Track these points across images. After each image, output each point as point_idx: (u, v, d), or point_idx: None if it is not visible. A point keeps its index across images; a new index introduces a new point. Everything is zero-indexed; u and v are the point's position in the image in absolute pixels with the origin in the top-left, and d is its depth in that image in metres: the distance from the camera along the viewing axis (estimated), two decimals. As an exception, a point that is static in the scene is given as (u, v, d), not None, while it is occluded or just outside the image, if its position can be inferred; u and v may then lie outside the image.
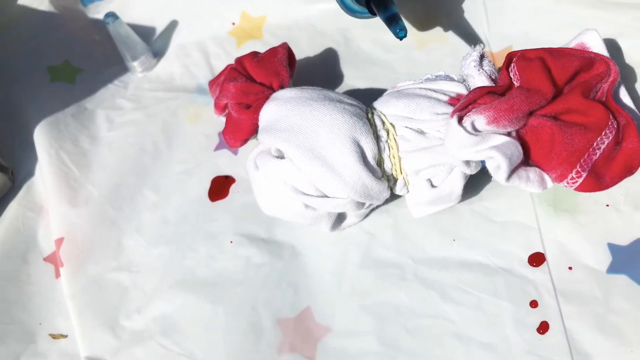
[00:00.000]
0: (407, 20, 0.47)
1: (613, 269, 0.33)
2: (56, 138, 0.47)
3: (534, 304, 0.33)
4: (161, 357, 0.37)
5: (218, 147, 0.45)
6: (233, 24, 0.52)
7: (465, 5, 0.45)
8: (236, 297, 0.38)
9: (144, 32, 0.54)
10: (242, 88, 0.39)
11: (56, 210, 0.44)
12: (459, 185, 0.34)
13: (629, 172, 0.30)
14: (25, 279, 0.43)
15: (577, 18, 0.41)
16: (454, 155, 0.32)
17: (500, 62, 0.42)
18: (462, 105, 0.31)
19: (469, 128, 0.31)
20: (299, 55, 0.46)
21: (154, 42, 0.54)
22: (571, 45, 0.35)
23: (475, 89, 0.32)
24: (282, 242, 0.39)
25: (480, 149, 0.31)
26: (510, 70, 0.33)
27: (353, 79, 0.46)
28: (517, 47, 0.42)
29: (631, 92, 0.38)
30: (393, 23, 0.39)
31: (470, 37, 0.44)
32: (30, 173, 0.48)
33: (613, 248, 0.34)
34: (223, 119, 0.42)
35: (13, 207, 0.46)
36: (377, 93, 0.43)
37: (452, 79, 0.36)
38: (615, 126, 0.30)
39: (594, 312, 0.32)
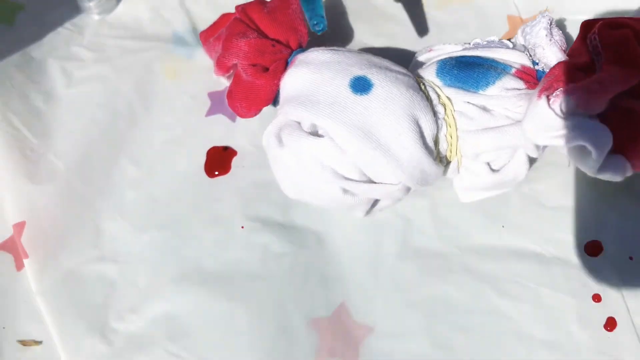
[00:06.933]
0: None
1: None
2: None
3: (596, 297, 0.31)
4: (170, 367, 0.32)
5: (211, 112, 0.38)
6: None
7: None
8: (258, 293, 0.33)
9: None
10: (257, 46, 0.33)
11: (11, 187, 0.36)
12: (524, 170, 0.30)
13: None
14: (-24, 273, 0.35)
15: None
16: (534, 138, 0.28)
17: (533, 26, 0.38)
18: (548, 84, 0.27)
19: (558, 111, 0.27)
20: (300, 5, 0.40)
21: (111, -24, 0.45)
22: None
23: (559, 64, 0.28)
24: (303, 228, 0.34)
25: (569, 134, 0.27)
26: (588, 42, 0.29)
27: (366, 35, 0.40)
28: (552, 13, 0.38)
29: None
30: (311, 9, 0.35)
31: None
32: (-35, 137, 0.39)
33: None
34: (214, 77, 0.36)
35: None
36: (400, 54, 0.39)
37: (509, 47, 0.32)
38: None
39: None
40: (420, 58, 0.35)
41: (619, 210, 0.33)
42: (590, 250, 0.32)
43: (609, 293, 0.31)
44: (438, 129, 0.30)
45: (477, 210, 0.34)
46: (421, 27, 0.40)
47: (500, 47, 0.31)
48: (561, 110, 0.27)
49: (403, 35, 0.40)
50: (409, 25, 0.40)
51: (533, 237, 0.33)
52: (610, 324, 0.30)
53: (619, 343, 0.30)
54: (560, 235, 0.33)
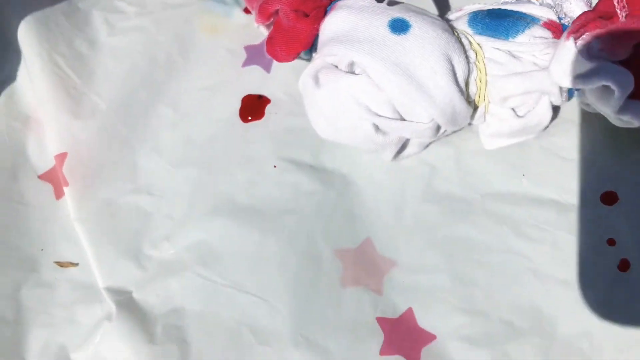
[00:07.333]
0: None
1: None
2: (47, 38, 0.40)
3: (611, 241, 0.33)
4: (202, 289, 0.33)
5: (246, 63, 0.40)
6: None
7: None
8: (287, 225, 0.34)
9: None
10: (300, -7, 0.35)
11: (54, 121, 0.38)
12: (548, 116, 0.32)
13: None
14: (17, 199, 0.36)
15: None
16: (559, 81, 0.30)
17: None
18: (575, 28, 0.29)
19: (584, 53, 0.29)
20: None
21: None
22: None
23: (585, 12, 0.30)
24: (332, 170, 0.36)
25: (594, 75, 0.29)
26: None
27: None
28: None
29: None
30: None
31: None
32: (10, 77, 0.41)
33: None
34: (255, 25, 0.37)
35: (-8, 116, 0.39)
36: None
37: (535, 4, 0.34)
38: None
39: (672, 252, 0.32)
40: (451, 16, 0.37)
41: (634, 164, 0.34)
42: (606, 199, 0.34)
43: (623, 238, 0.33)
44: (469, 72, 0.32)
45: (499, 160, 0.35)
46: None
47: (528, 3, 0.33)
48: (587, 52, 0.29)
49: (431, 3, 0.42)
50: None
51: (551, 186, 0.34)
52: (624, 266, 0.32)
53: (632, 282, 0.31)
54: (577, 185, 0.34)
